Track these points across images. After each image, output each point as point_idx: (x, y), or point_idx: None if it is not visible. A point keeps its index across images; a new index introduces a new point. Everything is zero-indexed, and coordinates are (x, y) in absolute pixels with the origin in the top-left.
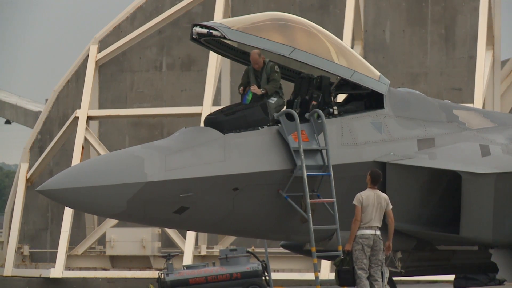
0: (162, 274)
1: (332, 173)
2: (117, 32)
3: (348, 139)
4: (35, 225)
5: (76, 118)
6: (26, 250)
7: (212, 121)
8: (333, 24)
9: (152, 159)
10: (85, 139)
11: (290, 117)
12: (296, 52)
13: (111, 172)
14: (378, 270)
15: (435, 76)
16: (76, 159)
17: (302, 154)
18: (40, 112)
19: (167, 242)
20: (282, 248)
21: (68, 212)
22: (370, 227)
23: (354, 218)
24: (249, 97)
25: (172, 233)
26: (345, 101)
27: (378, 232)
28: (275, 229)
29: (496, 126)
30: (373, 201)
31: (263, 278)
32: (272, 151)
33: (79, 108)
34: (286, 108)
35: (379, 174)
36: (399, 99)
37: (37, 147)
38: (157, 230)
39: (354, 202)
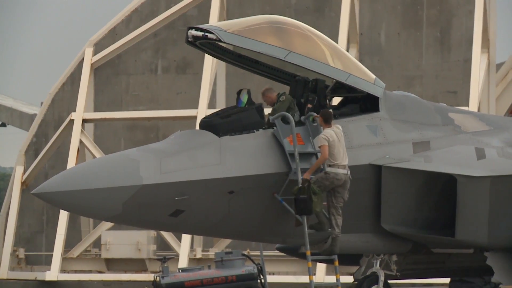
0: (158, 277)
1: None
2: (113, 35)
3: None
4: (30, 228)
5: (72, 121)
6: (21, 253)
7: (208, 124)
8: (328, 27)
9: (148, 162)
10: (81, 142)
11: (285, 120)
12: (291, 55)
13: (107, 175)
14: (340, 208)
15: (430, 79)
16: (71, 162)
17: (297, 157)
18: (35, 115)
19: (163, 245)
20: (278, 251)
21: (63, 215)
22: (344, 167)
23: (322, 156)
24: (244, 100)
25: (167, 236)
26: (341, 104)
27: (349, 172)
28: (270, 232)
29: (491, 129)
30: (337, 136)
31: (259, 281)
32: (267, 154)
33: (75, 111)
34: None
35: (329, 113)
36: (394, 102)
37: (32, 150)
38: (152, 233)
39: (320, 143)
